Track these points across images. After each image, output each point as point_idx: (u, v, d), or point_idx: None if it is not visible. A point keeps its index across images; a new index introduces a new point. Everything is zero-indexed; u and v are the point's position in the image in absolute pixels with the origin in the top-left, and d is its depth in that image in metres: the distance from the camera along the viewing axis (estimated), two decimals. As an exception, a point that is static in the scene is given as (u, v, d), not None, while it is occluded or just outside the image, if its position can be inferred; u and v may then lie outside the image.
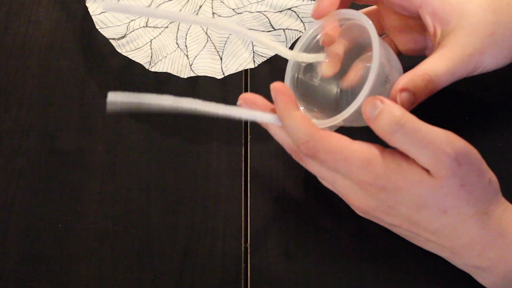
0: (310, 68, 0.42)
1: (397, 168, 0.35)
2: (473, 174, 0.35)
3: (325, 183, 0.42)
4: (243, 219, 0.44)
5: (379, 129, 0.35)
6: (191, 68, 0.48)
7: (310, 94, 0.42)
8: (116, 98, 0.34)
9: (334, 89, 0.43)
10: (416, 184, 0.35)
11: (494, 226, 0.35)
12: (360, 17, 0.38)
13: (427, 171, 0.34)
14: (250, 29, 0.50)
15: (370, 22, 0.37)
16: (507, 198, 0.37)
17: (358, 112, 0.36)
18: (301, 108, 0.40)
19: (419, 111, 0.47)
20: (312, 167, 0.40)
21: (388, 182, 0.35)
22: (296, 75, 0.41)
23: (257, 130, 0.46)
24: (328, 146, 0.35)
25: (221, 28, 0.37)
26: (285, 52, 0.41)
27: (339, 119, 0.37)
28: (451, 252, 0.37)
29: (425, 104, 0.47)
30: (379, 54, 0.36)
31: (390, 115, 0.34)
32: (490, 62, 0.41)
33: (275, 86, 0.37)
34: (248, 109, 0.39)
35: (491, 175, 0.36)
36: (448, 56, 0.40)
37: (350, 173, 0.36)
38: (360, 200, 0.38)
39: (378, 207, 0.37)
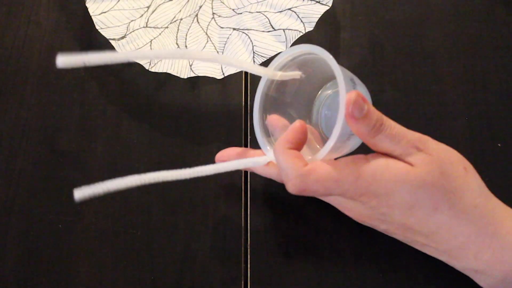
0: (282, 85, 0.42)
1: (385, 170, 0.35)
2: (445, 161, 0.36)
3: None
4: (243, 219, 0.44)
5: (365, 128, 0.36)
6: (191, 68, 0.48)
7: (281, 111, 0.42)
8: (83, 193, 0.35)
9: (304, 107, 0.44)
10: (405, 181, 0.35)
11: (488, 223, 0.35)
12: (321, 52, 0.38)
13: (410, 163, 0.35)
14: (250, 29, 0.50)
15: (331, 56, 0.37)
16: (507, 198, 0.37)
17: (335, 147, 0.37)
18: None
19: (419, 111, 0.47)
20: None
21: (379, 188, 0.35)
22: (267, 93, 0.42)
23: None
24: (316, 177, 0.36)
25: (191, 58, 0.38)
26: (260, 71, 0.42)
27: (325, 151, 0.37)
28: (448, 255, 0.37)
29: (425, 104, 0.48)
30: (345, 89, 0.36)
31: (375, 116, 0.36)
32: None
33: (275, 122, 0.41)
34: (225, 162, 0.41)
35: (466, 164, 0.37)
36: None
37: (343, 192, 0.36)
38: (353, 211, 0.39)
39: (372, 215, 0.38)
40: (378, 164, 0.36)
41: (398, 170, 0.35)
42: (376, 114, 0.36)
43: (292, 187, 0.36)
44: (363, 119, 0.35)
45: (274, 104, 0.42)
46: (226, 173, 0.46)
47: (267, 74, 0.42)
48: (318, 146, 0.42)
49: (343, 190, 0.36)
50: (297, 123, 0.38)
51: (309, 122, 0.44)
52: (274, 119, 0.41)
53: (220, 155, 0.42)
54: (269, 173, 0.41)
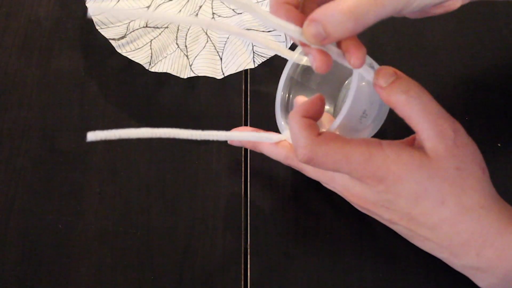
0: (308, 71, 0.42)
1: (397, 157, 0.35)
2: (468, 158, 0.35)
3: (324, 184, 0.42)
4: (243, 219, 0.44)
5: (393, 94, 0.35)
6: (191, 68, 0.48)
7: (305, 96, 0.42)
8: (96, 137, 0.34)
9: (330, 96, 0.44)
10: (415, 171, 0.35)
11: (492, 222, 0.35)
12: None
13: (426, 154, 0.35)
14: (250, 29, 0.50)
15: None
16: (507, 198, 0.37)
17: (345, 124, 0.37)
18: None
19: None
20: (309, 171, 0.41)
21: (388, 173, 0.35)
22: (292, 76, 0.42)
23: (257, 130, 0.46)
24: (326, 148, 0.35)
25: (222, 30, 0.37)
26: (286, 53, 0.41)
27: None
28: (449, 252, 0.37)
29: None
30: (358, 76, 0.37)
31: (410, 84, 0.35)
32: None
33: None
34: (239, 131, 0.42)
35: (485, 167, 0.36)
36: None
37: (351, 170, 0.36)
38: (359, 195, 0.38)
39: (377, 201, 0.37)
40: (391, 150, 0.35)
41: (411, 158, 0.35)
42: (412, 84, 0.35)
43: (301, 155, 0.36)
44: (392, 83, 0.35)
45: (299, 88, 0.42)
46: (226, 173, 0.46)
47: (292, 58, 0.42)
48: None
49: (351, 168, 0.35)
50: (316, 95, 0.38)
51: (334, 112, 0.44)
52: (301, 100, 0.41)
53: (233, 130, 0.43)
54: (277, 153, 0.41)
